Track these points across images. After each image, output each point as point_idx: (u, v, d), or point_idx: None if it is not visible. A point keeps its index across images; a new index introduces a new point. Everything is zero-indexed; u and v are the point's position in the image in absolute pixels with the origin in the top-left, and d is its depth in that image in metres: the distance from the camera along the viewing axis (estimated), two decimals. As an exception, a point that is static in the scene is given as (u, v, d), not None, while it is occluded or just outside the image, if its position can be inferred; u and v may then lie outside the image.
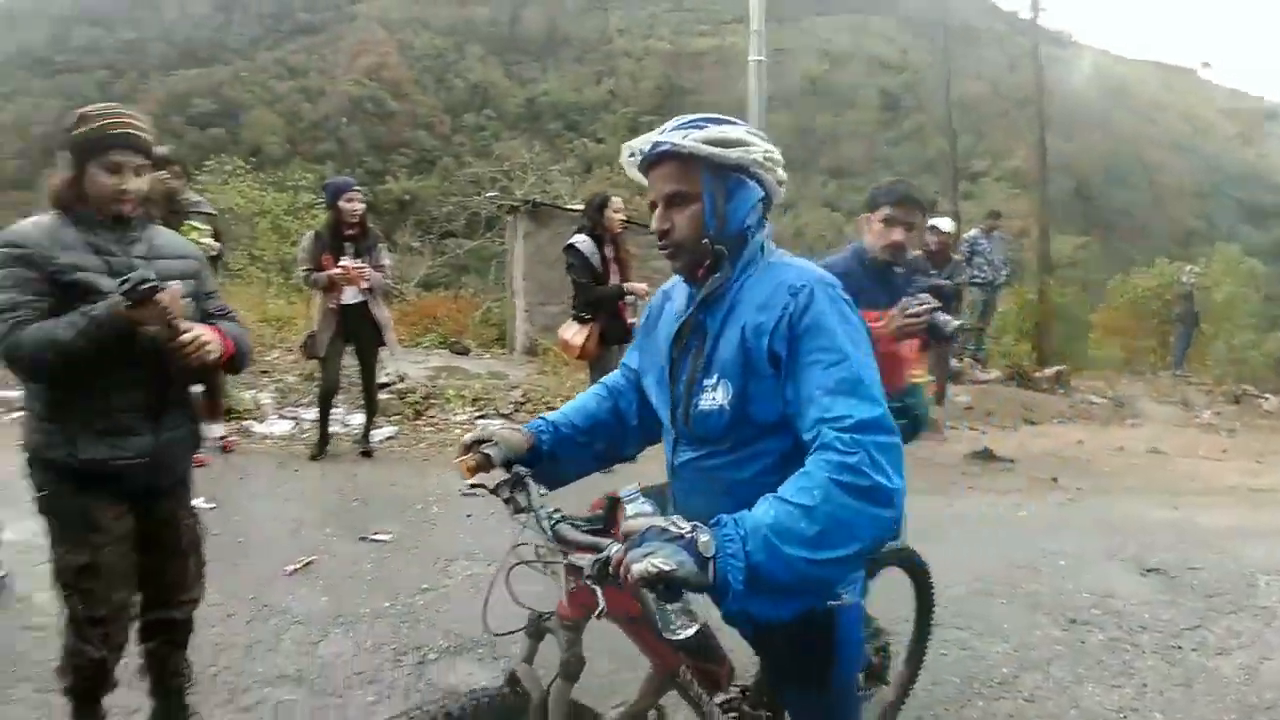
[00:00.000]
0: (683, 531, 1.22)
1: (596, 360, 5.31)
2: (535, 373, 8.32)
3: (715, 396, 1.53)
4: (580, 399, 1.89)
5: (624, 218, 5.57)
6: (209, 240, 4.70)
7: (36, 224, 2.10)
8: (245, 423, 6.17)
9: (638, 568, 1.17)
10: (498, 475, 1.67)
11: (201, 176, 12.41)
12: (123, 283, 1.92)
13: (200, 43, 62.24)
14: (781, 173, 1.60)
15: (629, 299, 5.34)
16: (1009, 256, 10.35)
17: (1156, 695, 3.23)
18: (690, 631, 1.26)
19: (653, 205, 1.61)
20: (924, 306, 2.57)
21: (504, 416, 6.50)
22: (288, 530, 4.34)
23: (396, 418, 6.59)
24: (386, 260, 5.55)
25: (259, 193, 13.73)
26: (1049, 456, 7.09)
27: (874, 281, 2.72)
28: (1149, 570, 4.48)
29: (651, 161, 1.58)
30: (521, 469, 1.66)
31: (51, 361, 1.97)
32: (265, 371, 7.48)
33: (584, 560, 1.35)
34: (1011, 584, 4.16)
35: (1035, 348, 11.57)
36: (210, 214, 5.12)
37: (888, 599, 2.48)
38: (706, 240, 1.55)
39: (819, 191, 44.01)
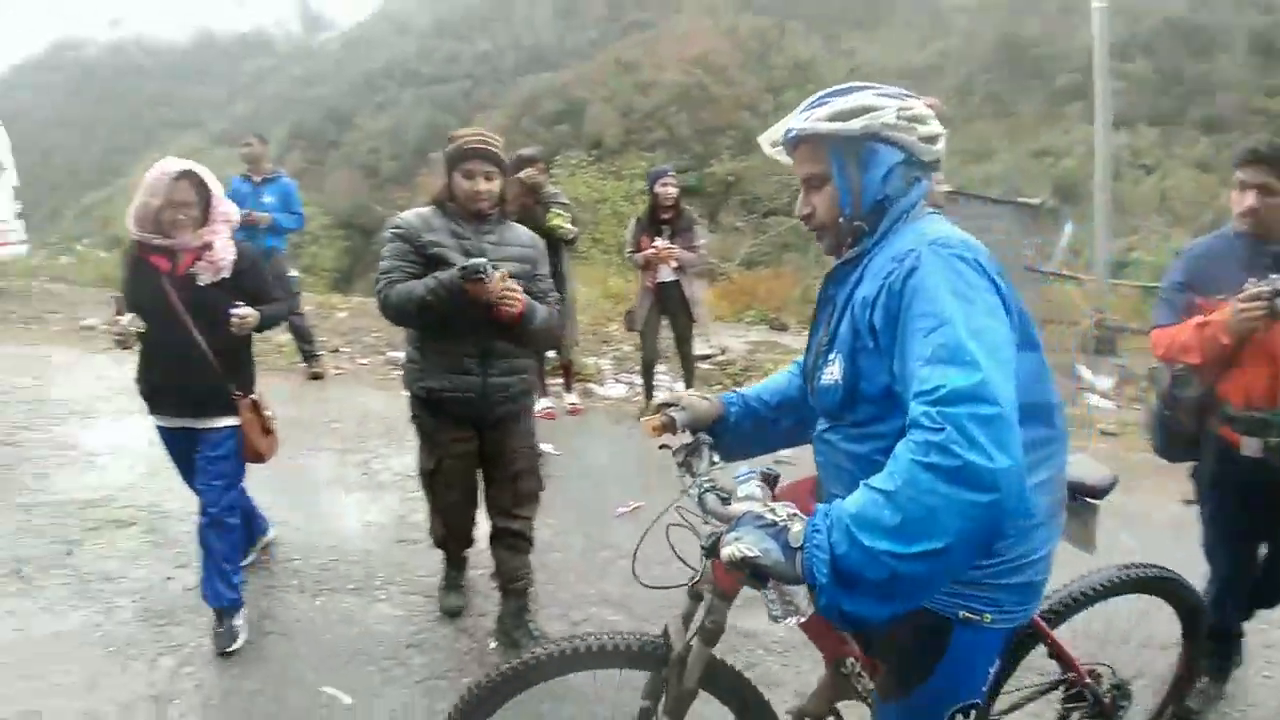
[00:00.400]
0: (778, 519, 1.21)
1: None
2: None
3: (833, 371, 1.49)
4: (776, 375, 1.91)
5: (946, 188, 5.42)
6: (569, 225, 5.33)
7: (416, 213, 2.91)
8: (589, 385, 7.03)
9: (725, 551, 1.19)
10: (682, 438, 1.76)
11: (553, 170, 14.07)
12: (463, 267, 2.60)
13: (545, 48, 68.85)
14: (928, 128, 1.50)
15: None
16: None
17: None
18: (792, 620, 1.22)
19: (798, 190, 1.62)
20: (1266, 288, 2.20)
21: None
22: (619, 478, 4.90)
23: (717, 387, 7.01)
24: (701, 240, 5.85)
25: (601, 182, 15.23)
26: None
27: (1237, 261, 2.39)
28: None
29: (791, 148, 1.58)
30: (704, 436, 1.76)
31: (409, 310, 2.72)
32: (605, 341, 8.42)
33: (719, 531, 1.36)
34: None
35: None
36: (566, 203, 5.70)
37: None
38: (843, 219, 1.52)
39: (1188, 150, 37.45)
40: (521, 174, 5.26)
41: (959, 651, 1.47)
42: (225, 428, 3.02)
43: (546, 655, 1.65)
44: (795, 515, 1.21)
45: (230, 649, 2.99)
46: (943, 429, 1.13)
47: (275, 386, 6.56)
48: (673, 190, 5.74)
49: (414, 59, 71.60)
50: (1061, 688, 2.07)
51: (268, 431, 3.15)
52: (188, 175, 2.82)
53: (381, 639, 3.12)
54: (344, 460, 5.04)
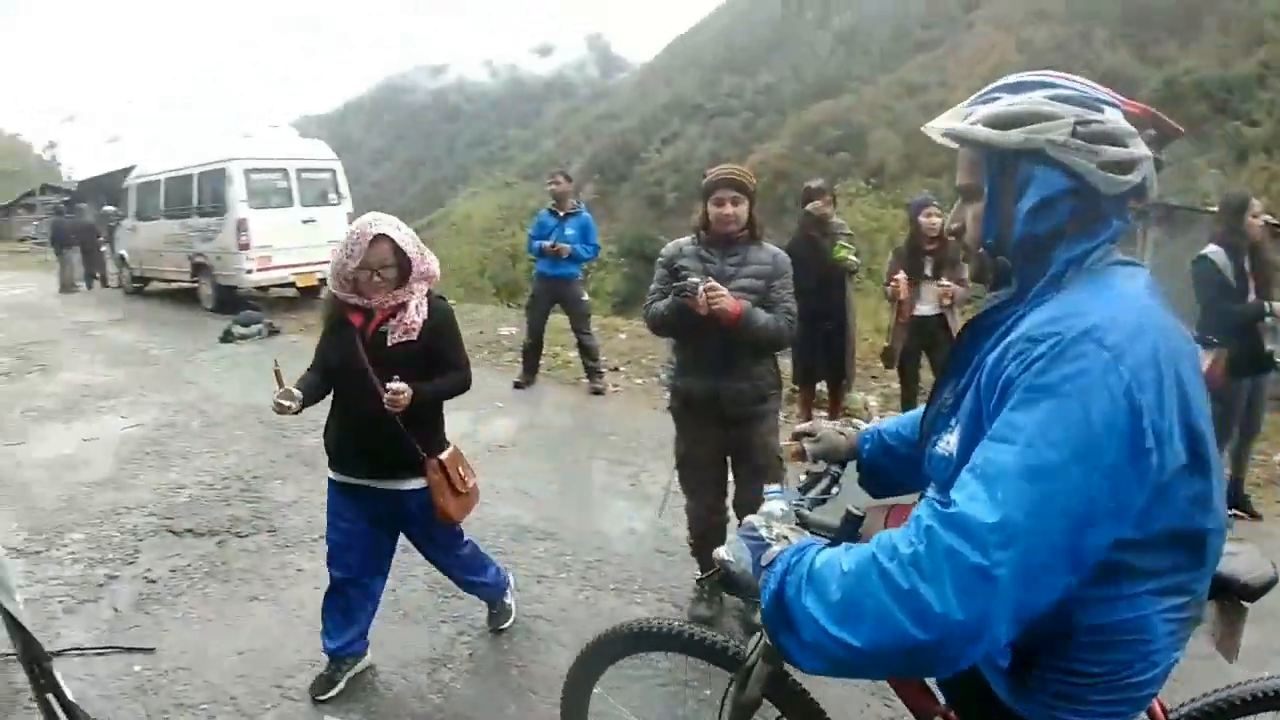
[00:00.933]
0: (765, 537, 1.27)
1: (1221, 393, 4.38)
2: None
3: (949, 442, 1.26)
4: (918, 410, 1.61)
5: (1268, 219, 4.73)
6: (853, 257, 5.41)
7: (675, 243, 3.37)
8: (854, 420, 6.91)
9: (716, 552, 1.31)
10: (814, 468, 1.77)
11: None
12: (676, 286, 3.06)
13: (827, 76, 68.48)
14: (1121, 150, 1.14)
15: (1268, 321, 4.54)
16: None
17: None
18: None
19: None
20: None
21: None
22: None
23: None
24: (967, 274, 5.55)
25: (879, 210, 14.92)
26: None
27: None
28: None
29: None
30: (834, 469, 1.77)
31: (658, 323, 3.25)
32: (874, 376, 8.26)
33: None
34: None
35: None
36: (850, 234, 5.76)
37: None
38: (984, 249, 1.25)
39: None
40: (809, 206, 5.39)
41: None
42: (415, 490, 2.93)
43: (659, 629, 1.99)
44: (783, 539, 1.25)
45: (503, 626, 3.40)
46: (919, 546, 1.02)
47: (560, 397, 7.32)
48: (937, 220, 5.49)
49: (698, 94, 74.69)
50: None
51: (458, 493, 2.96)
52: (385, 238, 2.69)
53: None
54: (615, 470, 5.41)
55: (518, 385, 7.58)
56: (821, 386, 6.06)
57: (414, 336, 2.81)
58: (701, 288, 2.97)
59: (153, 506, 4.85)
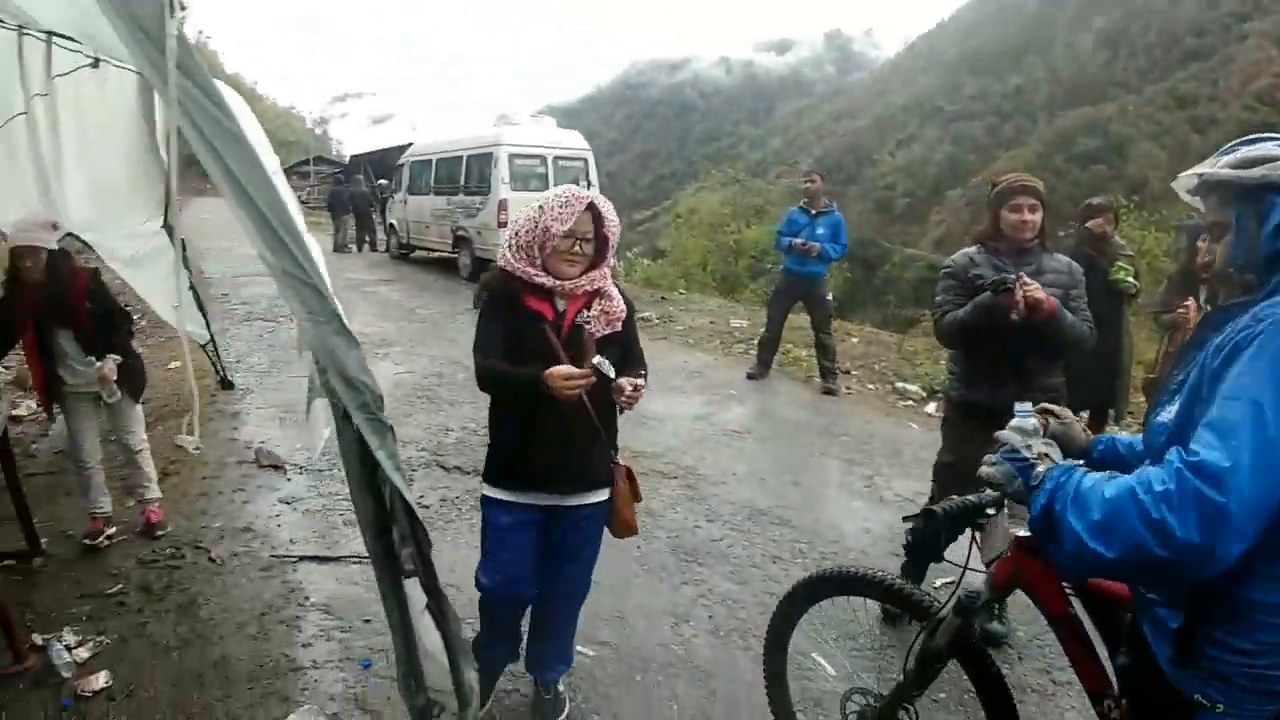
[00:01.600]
0: (1030, 457, 1.56)
1: None
2: None
3: (1170, 411, 1.49)
4: None
5: None
6: (1131, 280, 4.99)
7: (963, 253, 3.33)
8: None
9: (981, 469, 1.59)
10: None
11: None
12: (992, 281, 3.03)
13: (1087, 81, 62.71)
14: None
15: None
16: None
17: None
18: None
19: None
20: None
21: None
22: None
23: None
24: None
25: (1140, 232, 13.56)
26: None
27: None
28: None
29: (1204, 195, 1.56)
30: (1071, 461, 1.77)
31: (955, 332, 3.20)
32: (1130, 413, 7.55)
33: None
34: None
35: None
36: (1131, 256, 5.30)
37: None
38: (1234, 270, 1.50)
39: None
40: (1089, 223, 5.07)
41: None
42: (597, 504, 2.55)
43: (870, 576, 2.24)
44: (1045, 457, 1.51)
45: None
46: (1169, 485, 1.24)
47: (792, 392, 7.38)
48: None
49: (939, 95, 71.10)
50: None
51: (638, 498, 2.66)
52: (591, 206, 2.34)
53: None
54: (850, 470, 5.40)
55: (750, 376, 7.72)
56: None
57: (619, 328, 2.44)
58: (1019, 283, 2.94)
59: (424, 443, 5.46)
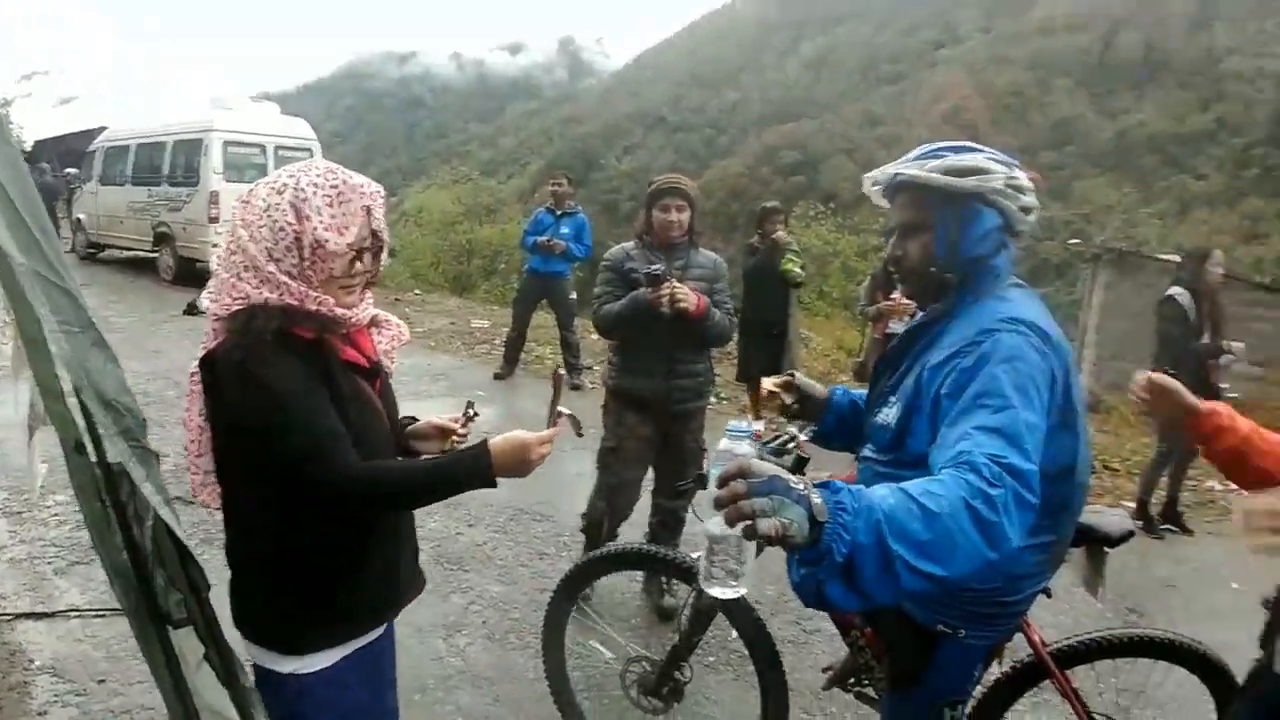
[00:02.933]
0: (801, 488, 1.07)
1: None
2: (1095, 431, 7.95)
3: (888, 415, 1.63)
4: None
5: (1223, 273, 5.22)
6: (798, 270, 6.08)
7: (620, 247, 3.47)
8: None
9: (765, 524, 1.03)
10: (783, 428, 2.05)
11: (791, 220, 14.46)
12: (646, 272, 3.16)
13: (792, 100, 69.70)
14: (1027, 199, 1.58)
15: (1221, 360, 4.96)
16: None
17: None
18: (729, 594, 1.23)
19: (889, 233, 1.70)
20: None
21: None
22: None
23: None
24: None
25: (834, 235, 15.37)
26: None
27: None
28: None
29: (892, 193, 1.66)
30: (794, 429, 2.03)
31: (611, 324, 3.35)
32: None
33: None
34: None
35: None
36: (796, 251, 6.38)
37: None
38: (934, 269, 1.60)
39: None
40: (765, 224, 6.19)
41: (945, 660, 1.72)
42: None
43: (629, 549, 2.47)
44: (809, 485, 1.11)
45: None
46: (999, 489, 1.23)
47: (539, 390, 7.41)
48: None
49: (663, 106, 75.21)
50: None
51: None
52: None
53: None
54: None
55: (498, 376, 7.71)
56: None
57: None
58: (665, 289, 3.12)
59: (137, 472, 4.81)
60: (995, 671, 2.08)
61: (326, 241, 1.38)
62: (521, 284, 7.87)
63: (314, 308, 1.41)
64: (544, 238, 7.26)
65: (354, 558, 1.50)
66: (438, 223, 20.58)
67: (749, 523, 1.03)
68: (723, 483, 1.07)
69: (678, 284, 3.16)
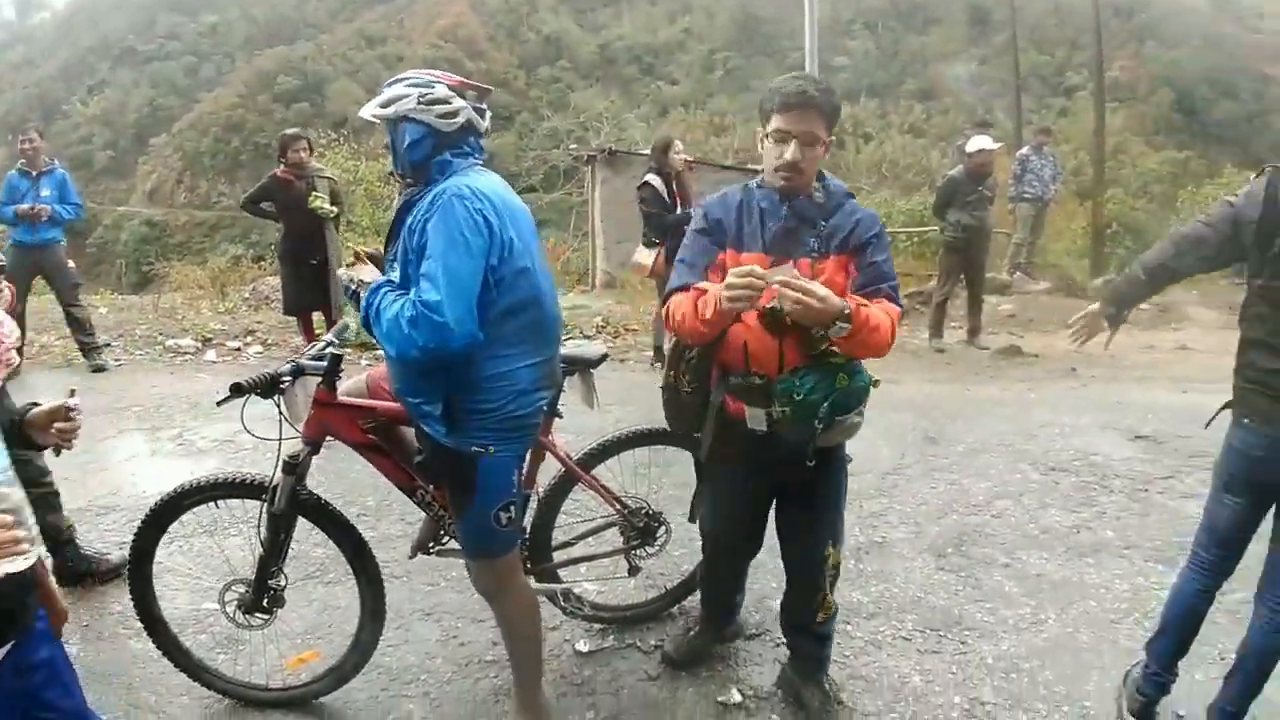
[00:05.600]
0: (352, 286, 2.19)
1: (663, 278, 6.14)
2: (614, 303, 9.36)
3: (394, 275, 2.14)
4: None
5: (686, 158, 6.48)
6: (327, 207, 6.05)
7: None
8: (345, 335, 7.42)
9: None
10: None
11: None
12: None
13: (281, 21, 63.97)
14: (447, 107, 2.06)
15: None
16: (1059, 171, 10.69)
17: (1112, 520, 3.97)
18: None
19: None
20: (774, 276, 1.90)
21: (587, 338, 7.58)
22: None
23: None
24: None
25: (353, 163, 14.87)
26: (1075, 355, 7.03)
27: (758, 213, 2.18)
28: (1138, 437, 5.07)
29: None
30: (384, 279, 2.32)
31: None
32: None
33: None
34: (1005, 444, 4.95)
35: (1091, 260, 11.90)
36: (330, 177, 6.42)
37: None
38: (392, 173, 2.25)
39: (905, 118, 42.15)
40: (287, 152, 6.09)
41: (486, 474, 2.15)
42: None
43: (197, 484, 2.43)
44: (363, 284, 2.14)
45: None
46: (414, 315, 1.92)
47: (58, 382, 6.43)
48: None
49: (130, 35, 63.73)
50: (615, 527, 2.89)
51: None
52: None
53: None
54: (156, 436, 5.19)
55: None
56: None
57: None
58: None
59: None
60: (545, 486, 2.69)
61: None
62: (9, 262, 6.57)
63: None
64: (24, 205, 6.22)
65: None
66: None
67: None
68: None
69: None
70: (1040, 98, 39.26)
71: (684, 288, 2.16)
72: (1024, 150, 10.46)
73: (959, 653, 2.94)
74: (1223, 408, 2.31)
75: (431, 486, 2.46)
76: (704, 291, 2.06)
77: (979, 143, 7.46)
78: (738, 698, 2.66)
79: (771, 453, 2.19)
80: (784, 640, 2.73)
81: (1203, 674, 2.69)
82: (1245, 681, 2.33)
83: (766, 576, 3.22)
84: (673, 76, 50.71)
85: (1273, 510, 2.26)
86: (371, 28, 59.62)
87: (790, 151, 2.05)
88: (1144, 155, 31.85)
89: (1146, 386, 6.43)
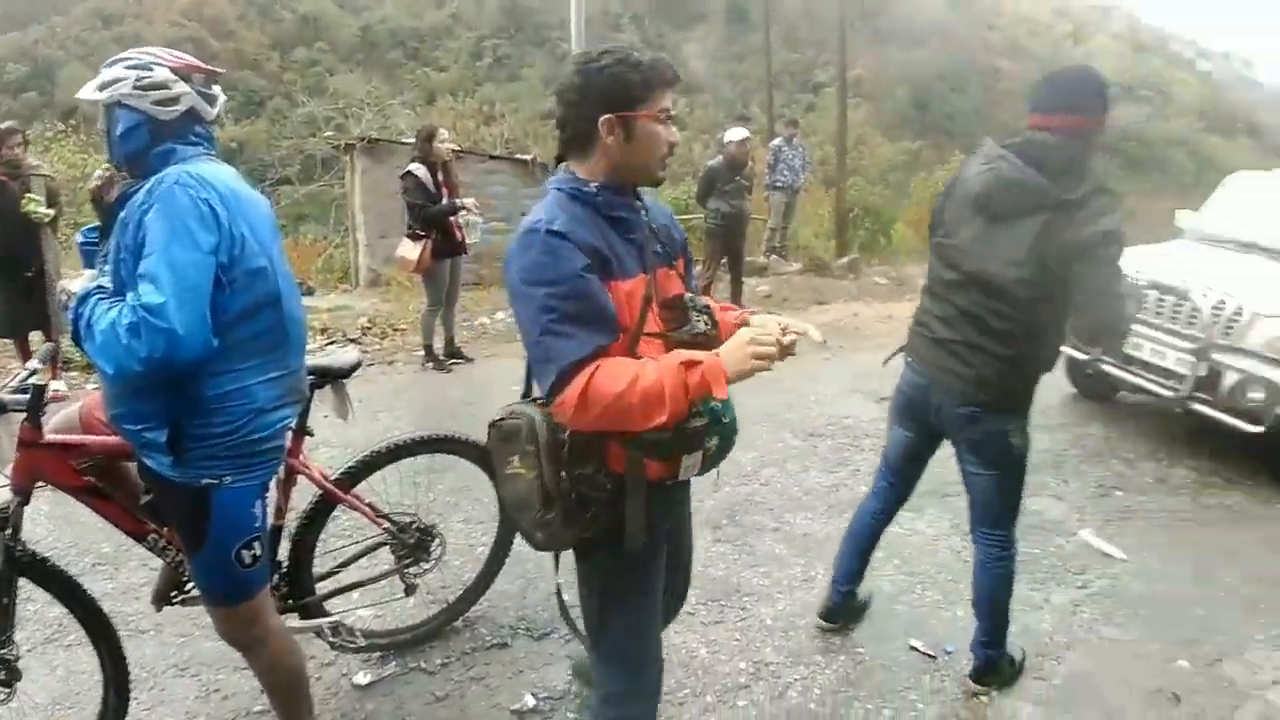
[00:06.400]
0: (62, 300, 1.89)
1: (429, 273, 6.06)
2: (380, 301, 8.87)
3: (105, 279, 1.87)
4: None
5: (453, 147, 6.27)
6: (42, 210, 5.28)
7: None
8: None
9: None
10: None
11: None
12: None
13: (14, 4, 55.03)
14: (166, 92, 1.83)
15: (460, 218, 6.03)
16: (808, 161, 11.56)
17: (865, 476, 4.26)
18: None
19: None
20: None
21: (352, 341, 7.11)
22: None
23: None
24: None
25: (81, 156, 13.10)
26: (825, 327, 7.44)
27: (604, 220, 1.67)
28: (882, 399, 5.40)
29: None
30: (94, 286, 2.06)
31: None
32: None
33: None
34: (769, 415, 5.28)
35: (836, 242, 13.04)
36: (48, 176, 5.57)
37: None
38: (116, 163, 1.94)
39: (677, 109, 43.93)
40: (1, 153, 5.21)
41: (222, 510, 1.89)
42: None
43: None
44: (71, 294, 1.84)
45: None
46: (134, 322, 1.65)
47: None
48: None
49: None
50: (385, 547, 2.68)
51: None
52: None
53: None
54: None
55: None
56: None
57: None
58: None
59: None
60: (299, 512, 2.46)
61: None
62: None
63: None
64: None
65: None
66: None
67: None
68: None
69: None
70: (791, 94, 42.52)
71: (592, 355, 1.50)
72: (776, 141, 11.19)
73: (740, 620, 3.09)
74: (897, 351, 2.72)
75: (165, 529, 2.15)
76: (692, 364, 1.48)
77: (736, 134, 7.87)
78: (531, 702, 2.60)
79: (680, 506, 2.02)
80: (572, 636, 2.69)
81: (963, 611, 2.98)
82: (986, 613, 2.63)
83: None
84: (440, 63, 49.31)
85: (955, 455, 2.56)
86: (109, 6, 52.74)
87: (675, 133, 1.68)
88: (882, 146, 35.59)
89: (884, 353, 6.97)
